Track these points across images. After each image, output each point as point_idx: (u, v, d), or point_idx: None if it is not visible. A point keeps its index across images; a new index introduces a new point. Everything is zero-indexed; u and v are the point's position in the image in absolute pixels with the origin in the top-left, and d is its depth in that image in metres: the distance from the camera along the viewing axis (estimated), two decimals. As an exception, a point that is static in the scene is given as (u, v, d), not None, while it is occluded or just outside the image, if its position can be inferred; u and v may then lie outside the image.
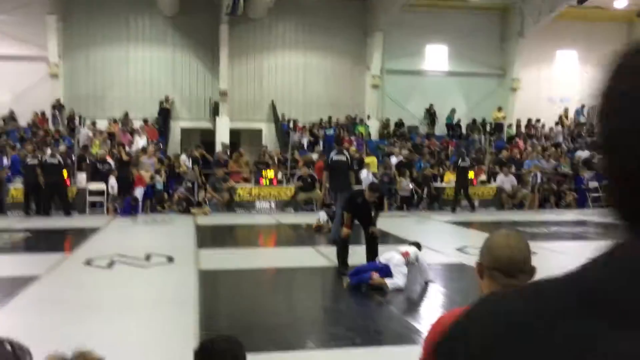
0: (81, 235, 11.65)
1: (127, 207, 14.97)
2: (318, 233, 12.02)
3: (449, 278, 8.16)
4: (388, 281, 6.91)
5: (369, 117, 23.49)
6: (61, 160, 15.02)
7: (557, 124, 24.07)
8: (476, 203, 17.53)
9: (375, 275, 6.89)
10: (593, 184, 18.63)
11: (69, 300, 6.57)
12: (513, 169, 18.40)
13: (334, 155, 11.04)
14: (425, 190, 17.48)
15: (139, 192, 15.19)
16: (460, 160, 16.77)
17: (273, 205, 16.43)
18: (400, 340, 5.25)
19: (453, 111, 23.73)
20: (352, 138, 21.31)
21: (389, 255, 7.30)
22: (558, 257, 9.77)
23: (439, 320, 1.91)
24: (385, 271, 7.01)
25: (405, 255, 7.20)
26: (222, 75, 21.96)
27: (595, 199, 18.37)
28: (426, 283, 7.33)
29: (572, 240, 11.65)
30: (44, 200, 14.71)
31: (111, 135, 18.95)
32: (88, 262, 8.65)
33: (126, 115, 20.76)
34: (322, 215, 12.54)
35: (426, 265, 7.39)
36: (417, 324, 5.74)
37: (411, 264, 7.24)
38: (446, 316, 1.93)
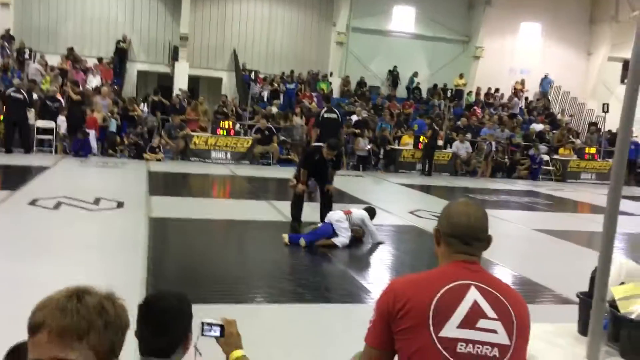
0: (27, 173, 11.24)
1: (76, 146, 14.50)
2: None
3: (400, 239, 8.25)
4: (335, 240, 6.98)
5: (331, 74, 23.25)
6: (26, 95, 14.42)
7: (513, 94, 24.37)
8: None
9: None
10: (545, 157, 19.08)
11: (11, 239, 6.34)
12: (469, 136, 18.64)
13: (324, 113, 11.19)
14: (382, 151, 17.56)
15: (90, 133, 14.68)
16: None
17: (229, 156, 16.21)
18: (349, 298, 5.28)
19: (415, 75, 23.72)
20: (314, 94, 21.10)
21: (332, 213, 7.42)
22: (507, 225, 10.03)
23: (391, 283, 1.91)
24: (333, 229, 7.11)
25: (347, 212, 7.31)
26: (184, 18, 21.22)
27: (546, 171, 18.86)
28: (378, 244, 7.40)
29: (520, 210, 11.94)
30: (8, 137, 14.10)
31: (63, 72, 18.15)
32: (33, 202, 8.35)
33: (71, 49, 19.74)
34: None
35: (374, 228, 7.44)
36: (367, 283, 5.79)
37: (355, 224, 7.28)
38: (397, 280, 1.92)
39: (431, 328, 1.76)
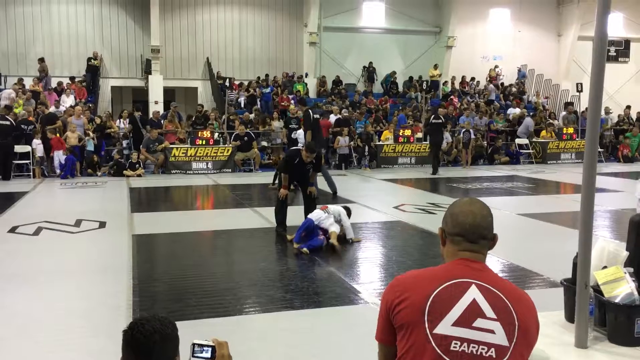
0: (6, 200, 11.06)
1: (61, 167, 14.36)
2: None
3: (386, 236, 8.23)
4: (345, 233, 7.33)
5: (306, 74, 23.22)
6: (13, 122, 14.20)
7: (488, 81, 24.52)
8: (413, 160, 17.79)
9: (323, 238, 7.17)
10: (523, 141, 19.22)
11: (-9, 270, 6.22)
12: (448, 127, 18.70)
13: (314, 115, 11.91)
14: (367, 148, 17.55)
15: (57, 155, 14.48)
16: (432, 117, 15.68)
17: (210, 165, 16.11)
18: (339, 301, 5.24)
19: (392, 74, 23.76)
20: (290, 96, 21.05)
21: (310, 215, 7.50)
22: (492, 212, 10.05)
23: (395, 279, 1.92)
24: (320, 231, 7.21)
25: (323, 208, 7.54)
26: (154, 30, 21.06)
27: (527, 155, 19.00)
28: (351, 242, 7.40)
29: (503, 196, 12.00)
30: None
31: (35, 94, 17.91)
32: (12, 229, 8.22)
33: (42, 59, 19.51)
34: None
35: (349, 224, 7.50)
36: (356, 284, 5.76)
37: (335, 217, 7.36)
38: (400, 277, 1.92)
39: (426, 324, 1.75)
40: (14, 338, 4.37)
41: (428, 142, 16.52)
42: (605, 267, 2.57)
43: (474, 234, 1.90)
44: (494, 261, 6.65)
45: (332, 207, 7.60)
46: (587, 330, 2.41)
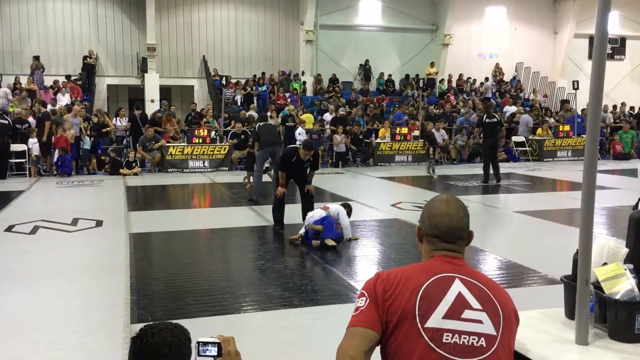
0: (2, 199, 11.01)
1: (57, 164, 14.33)
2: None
3: (384, 234, 8.24)
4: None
5: (303, 73, 23.19)
6: (10, 121, 14.14)
7: (489, 79, 24.51)
8: (409, 158, 17.79)
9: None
10: (520, 139, 19.24)
11: (-12, 270, 6.20)
12: (444, 124, 18.69)
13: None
14: (369, 146, 17.53)
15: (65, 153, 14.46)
16: (485, 117, 13.62)
17: (207, 164, 16.07)
18: (337, 298, 5.24)
19: (381, 76, 23.73)
20: (287, 95, 21.03)
21: (311, 213, 7.50)
22: (488, 210, 10.09)
23: (377, 274, 1.92)
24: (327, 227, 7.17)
25: (324, 208, 7.50)
26: (150, 28, 21.01)
27: (523, 152, 19.02)
28: (348, 239, 7.38)
29: (499, 193, 12.01)
30: None
31: (31, 93, 17.85)
32: (9, 229, 8.19)
33: (37, 57, 19.45)
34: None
35: (347, 223, 7.47)
36: (354, 281, 5.76)
37: (333, 217, 7.36)
38: (382, 273, 1.93)
39: (417, 319, 1.77)
40: (11, 337, 4.35)
41: (482, 144, 14.21)
42: (605, 263, 2.56)
43: (451, 235, 1.94)
44: (492, 259, 6.66)
45: (332, 207, 7.58)
46: (587, 327, 2.40)
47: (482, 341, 1.77)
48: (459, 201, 2.03)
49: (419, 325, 1.77)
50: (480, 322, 1.79)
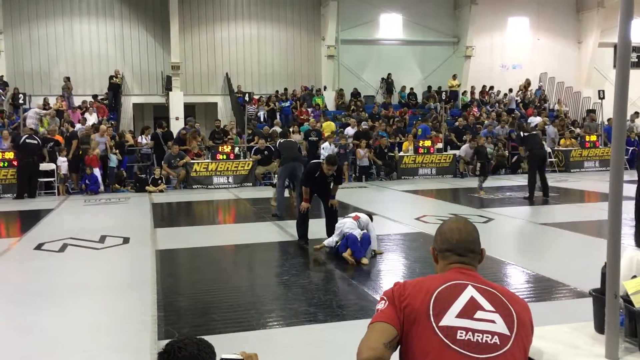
0: (32, 218, 11.24)
1: (84, 182, 14.57)
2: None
3: (408, 248, 8.18)
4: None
5: (325, 87, 23.31)
6: (39, 141, 14.50)
7: (517, 91, 24.28)
8: (433, 171, 17.67)
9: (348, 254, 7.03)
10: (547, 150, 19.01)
11: (18, 287, 6.32)
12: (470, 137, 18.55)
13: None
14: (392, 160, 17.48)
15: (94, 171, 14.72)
16: (521, 132, 13.41)
17: (231, 180, 16.20)
18: (362, 314, 5.21)
19: (403, 89, 23.72)
20: (309, 110, 21.14)
21: (342, 221, 7.48)
22: (514, 221, 9.96)
23: (394, 284, 2.06)
24: (352, 239, 7.07)
25: (355, 218, 7.48)
26: (174, 47, 21.37)
27: (550, 163, 18.77)
28: (373, 254, 7.34)
29: (525, 205, 11.84)
30: (23, 183, 14.17)
31: (59, 113, 18.25)
32: (39, 247, 8.34)
33: (67, 78, 19.93)
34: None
35: (374, 235, 7.42)
36: (379, 296, 5.71)
37: (363, 229, 7.33)
38: (398, 282, 2.09)
39: (431, 318, 1.88)
40: (41, 355, 4.41)
41: (526, 157, 13.10)
42: (634, 276, 2.52)
43: (461, 247, 2.07)
44: (519, 271, 6.57)
45: (362, 217, 7.54)
46: (617, 342, 2.36)
47: (495, 339, 1.85)
48: (467, 220, 2.20)
49: (434, 324, 1.87)
50: (493, 322, 1.88)
